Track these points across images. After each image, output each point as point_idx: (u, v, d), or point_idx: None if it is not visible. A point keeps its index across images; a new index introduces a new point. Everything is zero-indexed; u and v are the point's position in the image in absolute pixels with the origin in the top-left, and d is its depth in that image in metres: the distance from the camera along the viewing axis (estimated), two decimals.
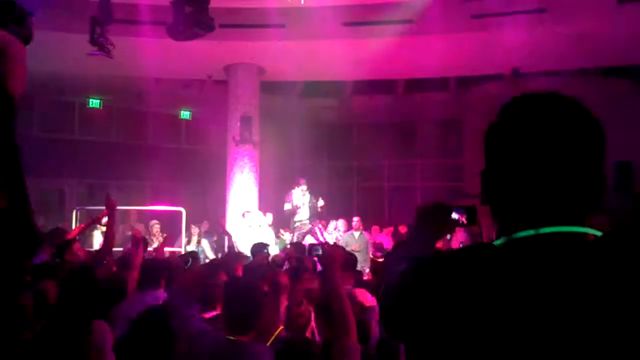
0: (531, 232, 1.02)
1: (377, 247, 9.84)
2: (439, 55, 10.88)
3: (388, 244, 10.75)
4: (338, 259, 2.94)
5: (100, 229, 9.96)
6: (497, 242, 1.06)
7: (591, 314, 0.92)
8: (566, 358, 0.92)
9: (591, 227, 1.04)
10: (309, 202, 10.81)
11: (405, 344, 1.12)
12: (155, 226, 10.31)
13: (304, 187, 10.80)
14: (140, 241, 4.95)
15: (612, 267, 0.95)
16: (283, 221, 11.30)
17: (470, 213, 1.75)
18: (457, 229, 1.89)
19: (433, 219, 1.66)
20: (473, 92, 14.54)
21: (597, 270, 0.95)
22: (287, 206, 10.80)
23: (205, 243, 11.07)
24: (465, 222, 1.73)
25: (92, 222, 7.16)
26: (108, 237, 5.44)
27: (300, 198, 10.75)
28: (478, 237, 11.17)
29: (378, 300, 1.31)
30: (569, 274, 0.95)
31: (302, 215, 10.74)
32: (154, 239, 9.85)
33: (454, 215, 1.72)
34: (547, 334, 0.93)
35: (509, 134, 1.09)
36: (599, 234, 1.02)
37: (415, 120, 15.88)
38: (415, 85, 14.37)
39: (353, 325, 2.78)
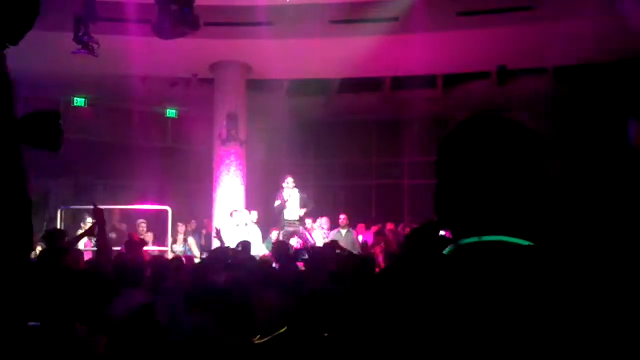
0: (475, 239, 1.10)
1: (363, 247, 9.86)
2: (424, 53, 10.91)
3: (370, 242, 10.77)
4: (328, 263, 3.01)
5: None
6: (446, 251, 1.14)
7: (516, 317, 0.98)
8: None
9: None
10: (299, 198, 10.76)
11: None
12: (142, 225, 10.25)
13: (290, 181, 10.75)
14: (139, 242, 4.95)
15: (538, 274, 1.02)
16: (272, 220, 11.28)
17: None
18: None
19: (421, 241, 1.70)
20: (460, 90, 14.59)
21: (523, 277, 1.02)
22: (277, 203, 10.78)
23: (192, 242, 11.05)
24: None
25: (87, 234, 7.10)
26: (100, 247, 5.36)
27: (286, 193, 10.72)
28: None
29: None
30: (502, 279, 1.02)
31: (291, 215, 10.68)
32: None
33: (442, 233, 1.75)
34: (481, 336, 0.98)
35: (454, 152, 1.17)
36: (531, 244, 1.09)
37: (402, 118, 15.90)
38: (402, 83, 14.37)
39: None
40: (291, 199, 10.65)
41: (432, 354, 1.00)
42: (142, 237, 9.67)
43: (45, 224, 11.14)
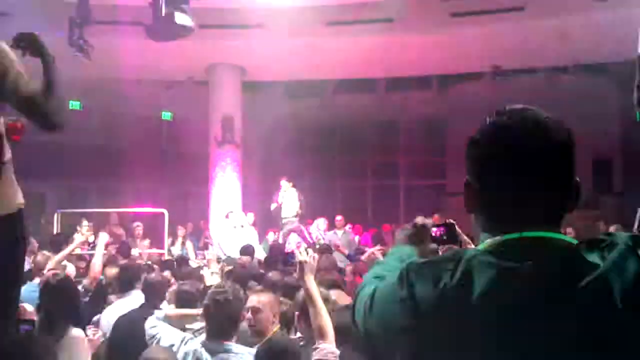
0: (516, 235, 1.10)
1: (359, 250, 9.86)
2: (419, 53, 10.95)
3: (369, 244, 10.77)
4: (313, 268, 3.04)
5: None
6: (483, 245, 1.15)
7: (556, 311, 1.00)
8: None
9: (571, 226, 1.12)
10: (296, 198, 10.82)
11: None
12: (138, 228, 10.21)
13: (285, 183, 10.80)
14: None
15: (577, 271, 1.02)
16: (269, 221, 11.29)
17: (450, 229, 1.75)
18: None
19: (411, 241, 1.69)
20: (455, 90, 14.62)
21: (565, 273, 1.03)
22: (273, 206, 10.83)
23: (189, 245, 11.02)
24: (445, 238, 1.74)
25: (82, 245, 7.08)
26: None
27: (282, 194, 10.77)
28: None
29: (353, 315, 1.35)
30: (545, 275, 1.03)
31: (287, 212, 10.75)
32: (137, 241, 9.78)
33: (434, 233, 1.73)
34: (520, 328, 1.00)
35: (488, 147, 1.18)
36: (572, 240, 1.11)
37: (398, 118, 15.93)
38: (397, 83, 14.41)
39: (329, 330, 2.84)
40: (287, 199, 10.65)
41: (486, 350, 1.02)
42: (137, 239, 9.67)
43: (40, 227, 11.12)
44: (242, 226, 10.58)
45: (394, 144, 16.13)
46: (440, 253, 1.80)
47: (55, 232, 9.52)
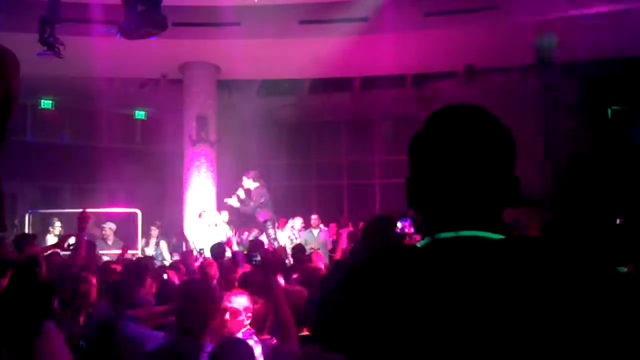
0: (452, 234, 1.11)
1: (334, 247, 9.89)
2: (393, 52, 11.00)
3: (344, 243, 10.79)
4: (275, 266, 3.08)
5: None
6: (421, 243, 1.14)
7: (492, 310, 1.00)
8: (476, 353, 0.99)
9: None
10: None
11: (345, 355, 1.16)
12: (108, 229, 10.00)
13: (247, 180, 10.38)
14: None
15: (511, 267, 1.03)
16: (244, 219, 11.23)
17: (412, 221, 1.78)
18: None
19: (376, 234, 1.70)
20: (429, 89, 14.73)
21: (498, 270, 1.03)
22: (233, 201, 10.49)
23: (163, 245, 10.95)
24: (412, 230, 1.76)
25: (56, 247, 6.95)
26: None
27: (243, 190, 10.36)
28: None
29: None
30: (478, 274, 1.04)
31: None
32: (108, 242, 9.65)
33: (400, 225, 1.75)
34: (459, 328, 1.01)
35: (429, 143, 1.18)
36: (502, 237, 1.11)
37: (373, 117, 15.99)
38: (372, 82, 14.47)
39: (294, 331, 2.87)
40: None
41: (410, 346, 1.02)
42: (107, 240, 9.51)
43: (14, 229, 10.94)
44: (216, 225, 10.54)
45: (369, 143, 16.19)
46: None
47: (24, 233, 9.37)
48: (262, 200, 10.00)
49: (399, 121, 15.60)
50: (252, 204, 9.94)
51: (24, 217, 10.61)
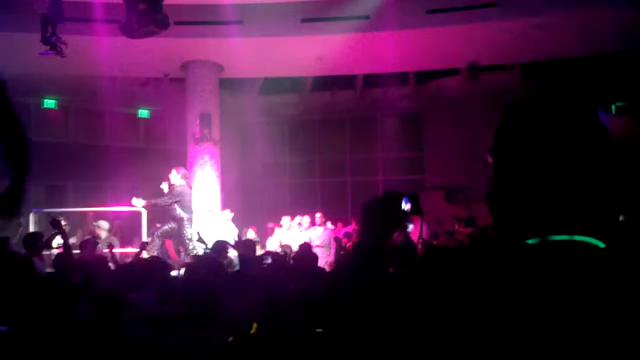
0: (565, 237, 1.02)
1: (338, 244, 9.94)
2: (395, 50, 10.99)
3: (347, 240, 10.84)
4: None
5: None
6: (531, 241, 1.05)
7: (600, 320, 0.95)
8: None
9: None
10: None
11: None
12: (101, 227, 9.89)
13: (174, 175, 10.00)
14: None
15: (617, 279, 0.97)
16: (249, 218, 11.27)
17: (414, 201, 1.78)
18: (414, 218, 1.92)
19: (383, 212, 1.67)
20: (432, 86, 14.74)
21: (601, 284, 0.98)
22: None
23: (168, 243, 10.97)
24: (412, 209, 1.76)
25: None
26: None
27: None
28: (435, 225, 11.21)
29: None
30: (587, 282, 0.97)
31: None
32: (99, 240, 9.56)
33: (404, 205, 1.75)
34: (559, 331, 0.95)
35: (522, 140, 1.07)
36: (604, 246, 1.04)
37: (376, 114, 16.02)
38: (375, 80, 14.48)
39: None
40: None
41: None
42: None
43: (19, 228, 10.99)
44: (221, 223, 10.59)
45: (373, 140, 16.21)
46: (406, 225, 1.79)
47: (28, 233, 9.42)
48: (179, 199, 9.67)
49: (402, 118, 15.63)
50: (167, 198, 9.70)
51: (29, 216, 10.64)
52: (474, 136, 13.36)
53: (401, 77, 14.50)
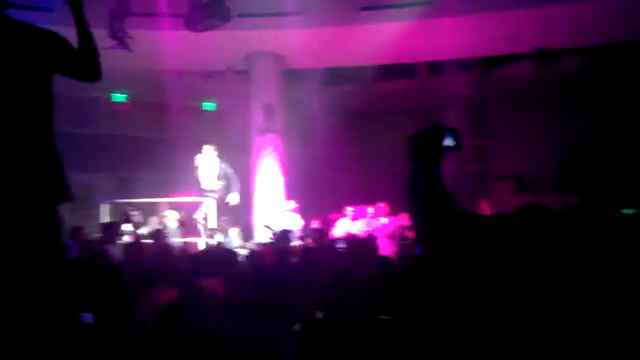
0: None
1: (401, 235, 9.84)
2: (460, 36, 10.75)
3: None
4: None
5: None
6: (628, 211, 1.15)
7: None
8: None
9: None
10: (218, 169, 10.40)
11: None
12: (170, 217, 10.16)
13: (208, 150, 10.34)
14: None
15: None
16: (313, 209, 11.28)
17: (456, 136, 1.73)
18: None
19: (427, 146, 1.64)
20: (498, 72, 14.34)
21: None
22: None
23: (233, 231, 11.16)
24: (454, 145, 1.70)
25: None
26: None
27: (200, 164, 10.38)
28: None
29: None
30: None
31: (208, 184, 10.39)
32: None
33: (447, 141, 1.70)
34: None
35: None
36: None
37: (441, 102, 15.70)
38: (439, 67, 14.20)
39: None
40: (207, 168, 10.26)
41: None
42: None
43: (92, 219, 11.44)
44: (285, 213, 10.68)
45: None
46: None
47: (103, 222, 9.80)
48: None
49: (468, 106, 15.27)
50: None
51: (100, 207, 11.04)
52: (544, 122, 12.92)
53: (467, 64, 14.17)
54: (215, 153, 10.35)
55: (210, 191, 10.34)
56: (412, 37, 10.64)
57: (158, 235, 8.23)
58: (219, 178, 10.32)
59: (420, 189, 1.40)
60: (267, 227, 8.86)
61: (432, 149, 1.65)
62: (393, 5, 10.00)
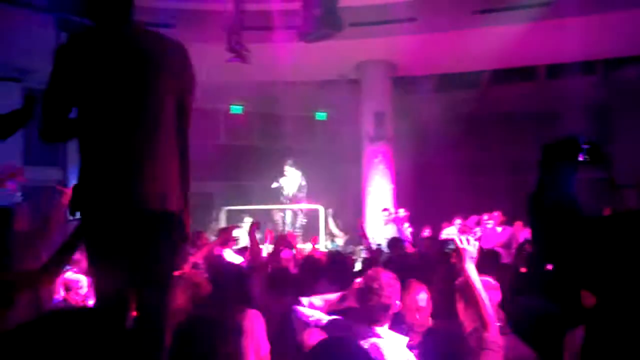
0: None
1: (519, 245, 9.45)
2: (580, 38, 10.23)
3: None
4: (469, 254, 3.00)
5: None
6: None
7: None
8: None
9: None
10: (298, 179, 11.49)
11: None
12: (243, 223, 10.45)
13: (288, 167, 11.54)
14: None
15: None
16: (424, 217, 11.16)
17: (595, 150, 1.65)
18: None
19: (561, 158, 1.59)
20: (622, 75, 13.51)
21: None
22: (274, 185, 11.99)
23: (339, 239, 11.29)
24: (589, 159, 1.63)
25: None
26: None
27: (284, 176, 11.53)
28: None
29: None
30: None
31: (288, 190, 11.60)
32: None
33: (585, 156, 1.63)
34: None
35: None
36: None
37: (559, 107, 15.03)
38: (558, 70, 13.60)
39: (490, 318, 2.79)
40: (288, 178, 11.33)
41: None
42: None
43: (212, 223, 12.00)
44: (394, 221, 10.61)
45: (557, 134, 15.20)
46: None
47: (220, 227, 10.20)
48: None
49: (589, 110, 14.50)
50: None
51: (219, 213, 11.54)
52: None
53: (588, 67, 13.47)
54: (293, 167, 11.58)
55: (292, 199, 10.89)
56: (529, 39, 10.28)
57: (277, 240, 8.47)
58: (299, 189, 11.23)
59: (551, 201, 1.35)
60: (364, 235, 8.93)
61: (567, 162, 1.58)
62: (509, 7, 9.70)
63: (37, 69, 9.95)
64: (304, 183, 11.34)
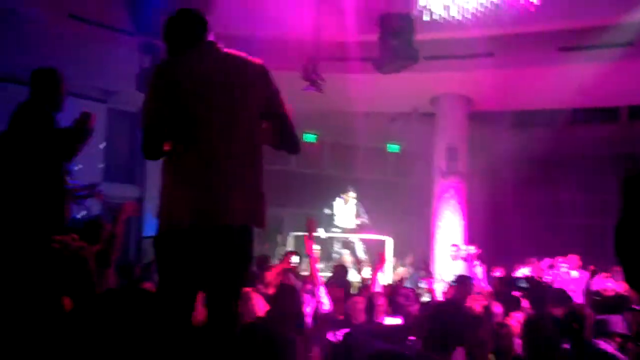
0: None
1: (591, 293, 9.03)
2: None
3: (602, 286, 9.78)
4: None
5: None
6: None
7: None
8: None
9: None
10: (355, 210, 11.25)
11: None
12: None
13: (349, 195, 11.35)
14: None
15: None
16: (496, 256, 10.86)
17: None
18: None
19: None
20: None
21: None
22: (327, 211, 11.59)
23: (400, 270, 11.16)
24: None
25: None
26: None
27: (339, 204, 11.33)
28: None
29: None
30: None
31: (343, 222, 11.31)
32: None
33: None
34: None
35: None
36: None
37: None
38: None
39: None
40: (345, 208, 11.23)
41: None
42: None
43: (277, 248, 12.14)
44: (465, 258, 10.38)
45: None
46: None
47: (287, 250, 10.33)
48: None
49: None
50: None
51: (286, 238, 11.63)
52: None
53: None
54: (354, 194, 11.36)
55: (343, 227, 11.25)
56: (612, 79, 9.97)
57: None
58: (357, 217, 11.23)
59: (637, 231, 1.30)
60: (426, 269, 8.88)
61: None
62: (593, 46, 9.42)
63: (121, 90, 10.45)
64: (362, 212, 11.24)
